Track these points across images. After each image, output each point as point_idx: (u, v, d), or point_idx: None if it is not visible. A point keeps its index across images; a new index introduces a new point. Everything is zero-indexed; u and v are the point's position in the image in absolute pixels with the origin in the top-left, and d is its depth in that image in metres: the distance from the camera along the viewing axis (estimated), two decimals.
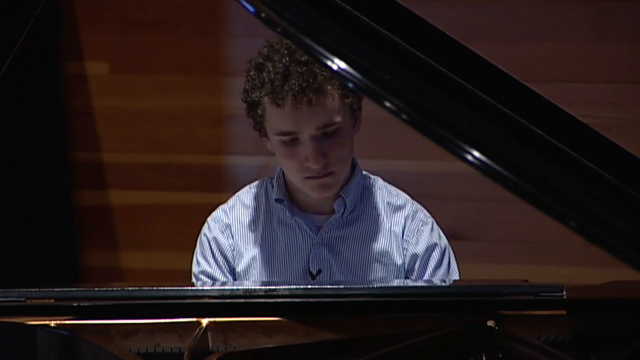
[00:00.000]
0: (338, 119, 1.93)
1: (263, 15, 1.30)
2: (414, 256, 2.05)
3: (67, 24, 3.41)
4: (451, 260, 2.09)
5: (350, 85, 1.28)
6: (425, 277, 2.04)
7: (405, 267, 2.05)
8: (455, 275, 2.08)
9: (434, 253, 2.06)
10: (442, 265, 2.06)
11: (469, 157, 1.22)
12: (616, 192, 1.24)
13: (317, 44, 1.29)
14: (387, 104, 1.25)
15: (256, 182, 2.13)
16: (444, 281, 2.04)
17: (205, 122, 3.44)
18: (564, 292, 1.65)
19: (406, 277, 2.06)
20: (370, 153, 3.13)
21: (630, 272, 1.21)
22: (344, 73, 1.26)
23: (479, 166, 1.22)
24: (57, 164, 3.47)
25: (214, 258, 2.07)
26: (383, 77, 1.27)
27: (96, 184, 3.51)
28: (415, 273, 2.05)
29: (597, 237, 1.20)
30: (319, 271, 2.02)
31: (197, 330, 1.62)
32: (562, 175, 1.24)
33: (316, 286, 1.75)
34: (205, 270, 2.08)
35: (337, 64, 1.26)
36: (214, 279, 2.07)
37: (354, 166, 2.08)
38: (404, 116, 1.25)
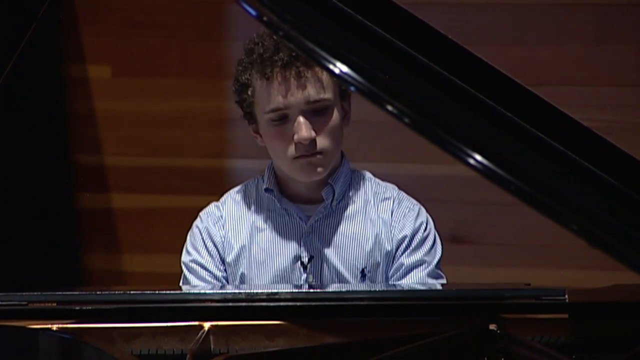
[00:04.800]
0: (327, 94, 1.96)
1: (265, 18, 1.30)
2: (402, 238, 2.06)
3: (69, 27, 3.41)
4: (436, 243, 2.10)
5: (353, 88, 1.28)
6: (408, 252, 2.05)
7: (394, 251, 2.06)
8: (437, 256, 2.08)
9: (418, 233, 2.07)
10: (424, 245, 2.07)
11: (471, 160, 1.22)
12: (617, 195, 1.24)
13: (320, 47, 1.29)
14: (389, 107, 1.25)
15: (248, 180, 2.15)
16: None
17: (207, 125, 3.44)
18: (566, 296, 1.65)
19: (393, 260, 2.06)
20: (371, 156, 3.14)
21: (631, 275, 1.21)
22: (346, 76, 1.26)
23: (480, 169, 1.22)
24: (58, 167, 3.47)
25: (206, 247, 2.09)
26: (385, 80, 1.27)
27: (98, 187, 3.52)
28: (401, 251, 2.05)
29: (599, 240, 1.19)
30: (311, 258, 2.03)
31: (199, 334, 1.62)
32: (563, 178, 1.24)
33: (318, 290, 1.75)
34: (196, 259, 2.08)
35: (339, 67, 1.27)
36: (204, 268, 2.08)
37: (341, 157, 2.09)
38: (406, 119, 1.25)
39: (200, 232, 2.10)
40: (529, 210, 1.21)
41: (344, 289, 1.77)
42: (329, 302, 1.69)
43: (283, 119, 1.96)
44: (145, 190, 3.51)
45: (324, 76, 1.96)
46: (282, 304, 1.68)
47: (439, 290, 1.91)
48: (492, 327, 1.60)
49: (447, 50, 1.34)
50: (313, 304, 1.69)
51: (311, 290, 1.75)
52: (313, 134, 1.95)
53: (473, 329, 1.60)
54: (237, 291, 1.76)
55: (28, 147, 3.33)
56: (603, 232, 1.20)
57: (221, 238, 2.09)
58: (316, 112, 1.96)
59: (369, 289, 1.87)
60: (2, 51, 1.76)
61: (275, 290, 1.70)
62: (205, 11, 3.40)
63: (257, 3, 1.30)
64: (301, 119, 1.94)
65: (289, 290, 1.72)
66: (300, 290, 1.73)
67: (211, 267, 2.08)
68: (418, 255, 2.06)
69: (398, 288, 1.98)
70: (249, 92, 1.99)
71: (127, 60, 3.47)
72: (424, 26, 1.34)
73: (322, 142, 1.97)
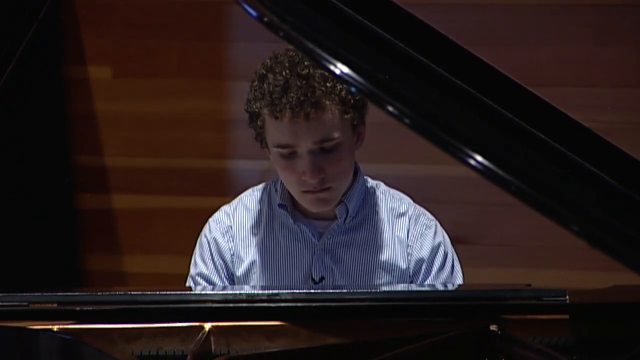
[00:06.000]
0: (336, 134, 1.92)
1: (266, 19, 1.30)
2: (420, 261, 2.04)
3: (70, 28, 3.41)
4: (455, 262, 2.09)
5: (353, 89, 1.28)
6: (429, 279, 2.04)
7: (411, 271, 2.05)
8: (459, 278, 2.08)
9: (437, 256, 2.05)
10: (445, 267, 2.06)
11: (471, 161, 1.22)
12: (618, 195, 1.24)
13: (320, 48, 1.29)
14: (390, 108, 1.25)
15: (260, 186, 2.13)
16: (447, 285, 2.04)
17: (207, 126, 3.44)
18: (567, 296, 1.65)
19: (411, 282, 2.05)
20: (372, 157, 3.14)
21: (632, 276, 1.21)
22: (347, 77, 1.26)
23: (480, 170, 1.22)
24: (59, 168, 3.47)
25: (212, 260, 2.07)
26: (385, 81, 1.27)
27: (98, 188, 3.52)
28: (421, 276, 2.04)
29: (599, 241, 1.20)
30: (322, 278, 2.02)
31: (200, 335, 1.62)
32: (563, 179, 1.24)
33: (319, 290, 1.75)
34: (202, 272, 2.07)
35: (340, 68, 1.27)
36: (209, 282, 2.06)
37: (356, 172, 2.07)
38: (406, 120, 1.25)
39: (208, 243, 2.09)
40: (530, 211, 1.21)
41: (344, 290, 1.77)
42: (329, 303, 1.69)
43: (292, 154, 1.93)
44: (146, 191, 3.51)
45: (333, 116, 1.91)
46: (282, 304, 1.68)
47: (439, 291, 1.91)
48: (493, 327, 1.61)
49: (447, 51, 1.34)
50: (314, 304, 1.69)
51: (312, 291, 1.75)
52: (321, 175, 1.92)
53: (474, 329, 1.61)
54: (237, 292, 1.76)
55: (29, 148, 3.33)
56: (603, 232, 1.20)
57: (229, 250, 2.07)
58: (325, 150, 1.93)
59: (369, 290, 1.87)
60: (2, 52, 1.76)
61: (276, 292, 1.70)
62: (206, 12, 3.40)
63: (258, 4, 1.30)
64: (309, 158, 1.91)
65: (289, 291, 1.72)
66: (301, 291, 1.73)
67: (216, 279, 2.06)
68: (442, 276, 2.05)
69: (398, 289, 1.98)
70: (259, 122, 1.96)
71: (127, 61, 3.47)
72: (425, 27, 1.34)
73: (330, 178, 1.94)
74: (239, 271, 2.06)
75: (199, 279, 2.07)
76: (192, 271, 2.09)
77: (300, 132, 1.90)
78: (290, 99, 1.88)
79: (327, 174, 1.93)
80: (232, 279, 2.08)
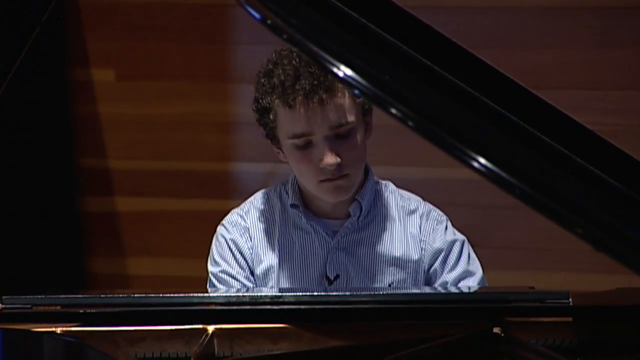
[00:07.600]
0: (350, 118, 1.94)
1: (269, 22, 1.30)
2: (436, 252, 2.06)
3: (74, 31, 3.42)
4: (470, 252, 2.10)
5: (357, 92, 1.28)
6: (447, 270, 2.05)
7: (427, 265, 2.05)
8: (477, 264, 2.09)
9: (453, 247, 2.07)
10: (462, 257, 2.07)
11: (476, 164, 1.22)
12: (622, 198, 1.24)
13: (324, 51, 1.29)
14: (394, 111, 1.25)
15: (269, 188, 2.13)
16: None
17: (211, 128, 3.44)
18: (570, 299, 1.65)
19: (428, 275, 2.06)
20: (376, 160, 3.13)
21: (636, 279, 1.21)
22: (351, 80, 1.26)
23: (485, 173, 1.22)
24: (63, 170, 3.47)
25: (235, 259, 2.07)
26: (389, 84, 1.27)
27: (102, 191, 3.52)
28: (437, 269, 2.05)
29: (604, 244, 1.19)
30: (337, 276, 2.03)
31: (204, 337, 1.62)
32: (568, 182, 1.24)
33: (322, 293, 1.75)
34: (226, 270, 2.06)
35: (344, 70, 1.27)
36: (235, 279, 2.06)
37: (366, 171, 2.08)
38: (410, 123, 1.25)
39: (227, 242, 2.08)
40: (534, 213, 1.21)
41: (348, 293, 1.77)
42: (333, 305, 1.69)
43: (307, 144, 1.94)
44: (150, 194, 3.51)
45: (346, 100, 1.93)
46: (286, 307, 1.68)
47: (443, 294, 1.91)
48: (496, 330, 1.60)
49: (451, 54, 1.34)
50: (317, 307, 1.69)
51: (315, 294, 1.75)
52: (338, 159, 1.93)
53: (477, 332, 1.60)
54: (241, 294, 1.76)
55: (32, 150, 3.33)
56: (608, 235, 1.20)
57: (249, 249, 2.07)
58: (340, 136, 1.94)
59: (373, 293, 1.87)
60: (6, 55, 1.76)
61: (280, 294, 1.70)
62: (210, 15, 3.40)
63: (262, 6, 1.30)
64: (326, 144, 1.92)
65: (293, 294, 1.72)
66: (304, 294, 1.73)
67: (241, 278, 2.06)
68: (460, 267, 2.06)
69: (402, 291, 1.98)
70: (271, 117, 1.96)
71: (131, 64, 3.47)
72: (429, 30, 1.34)
73: (347, 164, 1.95)
74: (257, 270, 2.06)
75: (224, 276, 2.06)
76: (214, 269, 2.09)
77: (315, 118, 1.91)
78: (303, 85, 1.90)
79: (343, 159, 1.94)
80: (253, 276, 2.07)
